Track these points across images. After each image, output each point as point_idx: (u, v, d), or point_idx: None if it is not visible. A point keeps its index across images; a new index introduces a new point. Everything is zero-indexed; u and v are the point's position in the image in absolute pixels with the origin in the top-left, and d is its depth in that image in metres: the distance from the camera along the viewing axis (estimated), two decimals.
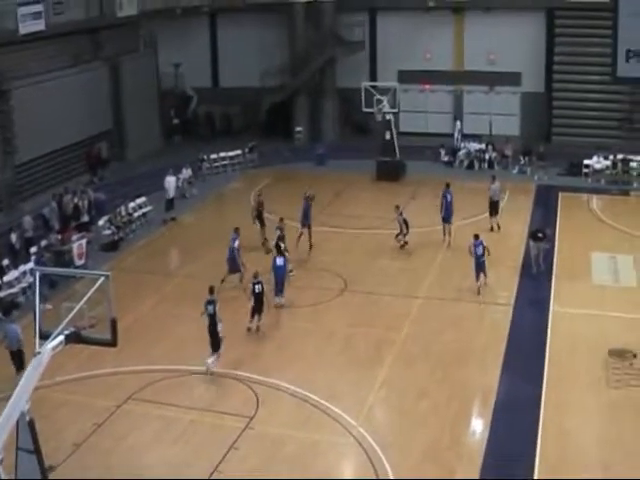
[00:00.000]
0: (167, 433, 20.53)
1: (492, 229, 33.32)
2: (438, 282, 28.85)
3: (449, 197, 32.23)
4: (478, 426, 20.80)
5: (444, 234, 31.98)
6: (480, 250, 27.51)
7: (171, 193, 37.39)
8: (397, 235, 31.09)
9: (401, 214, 31.03)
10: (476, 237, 27.85)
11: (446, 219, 32.07)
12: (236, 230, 28.70)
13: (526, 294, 27.89)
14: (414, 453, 19.30)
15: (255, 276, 25.28)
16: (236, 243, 28.28)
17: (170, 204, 37.15)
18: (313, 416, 20.95)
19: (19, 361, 22.41)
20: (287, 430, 20.37)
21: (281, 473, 18.72)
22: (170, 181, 37.44)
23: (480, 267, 27.58)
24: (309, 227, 31.84)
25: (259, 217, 32.16)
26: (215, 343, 22.91)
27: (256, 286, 25.02)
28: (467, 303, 27.27)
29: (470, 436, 20.45)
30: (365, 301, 27.51)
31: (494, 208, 33.84)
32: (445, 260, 30.75)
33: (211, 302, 23.01)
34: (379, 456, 19.03)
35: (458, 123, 46.18)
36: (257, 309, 25.13)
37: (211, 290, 23.38)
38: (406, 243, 31.08)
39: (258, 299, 25.07)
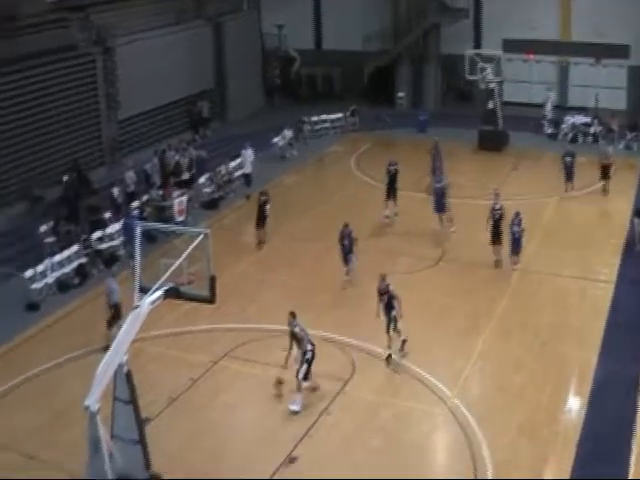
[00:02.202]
0: (261, 392, 20.65)
1: (604, 190, 33.19)
2: (537, 255, 28.19)
3: None
4: (575, 404, 20.28)
5: None
6: (517, 228, 26.69)
7: (248, 168, 36.37)
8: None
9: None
10: (517, 214, 26.93)
11: None
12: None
13: (628, 272, 27.05)
14: (509, 428, 18.93)
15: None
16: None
17: (248, 179, 36.30)
18: (408, 384, 20.79)
19: (115, 315, 22.78)
20: (381, 397, 20.27)
21: (373, 441, 18.63)
22: (247, 155, 36.44)
23: (515, 244, 26.92)
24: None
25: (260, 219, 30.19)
26: None
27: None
28: (566, 278, 26.63)
29: (566, 414, 19.94)
30: (462, 271, 27.10)
31: (605, 172, 33.43)
32: (545, 233, 30.08)
33: None
34: (474, 430, 18.75)
35: (551, 94, 44.95)
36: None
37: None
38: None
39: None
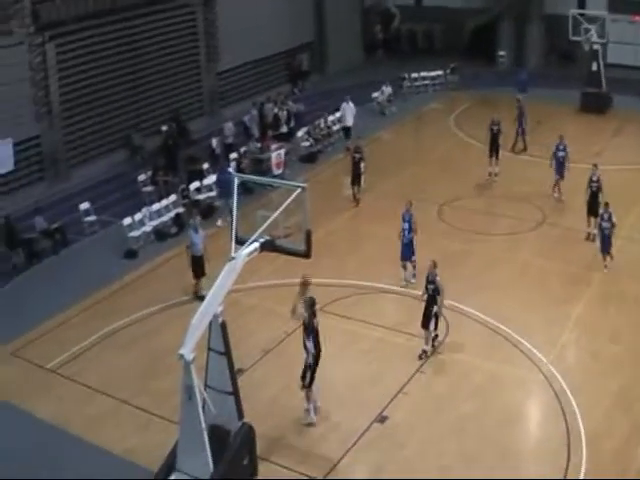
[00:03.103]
0: (354, 348, 20.68)
1: None
2: (639, 223, 27.45)
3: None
4: None
5: None
6: (606, 224, 24.16)
7: (349, 121, 35.62)
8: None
9: None
10: (606, 205, 24.54)
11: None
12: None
13: None
14: (604, 400, 18.48)
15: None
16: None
17: (347, 133, 35.67)
18: (502, 348, 20.47)
19: (195, 267, 23.02)
20: (475, 359, 20.01)
21: (465, 404, 18.44)
22: (347, 108, 35.69)
23: (606, 242, 24.32)
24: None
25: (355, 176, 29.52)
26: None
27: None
28: None
29: None
30: (563, 236, 26.52)
31: None
32: None
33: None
34: (569, 399, 18.34)
35: None
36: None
37: None
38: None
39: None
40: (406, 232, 23.27)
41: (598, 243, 24.28)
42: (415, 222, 23.29)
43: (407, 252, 23.39)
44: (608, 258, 24.18)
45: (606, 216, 24.09)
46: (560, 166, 28.89)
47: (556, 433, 17.46)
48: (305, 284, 18.07)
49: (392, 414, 18.15)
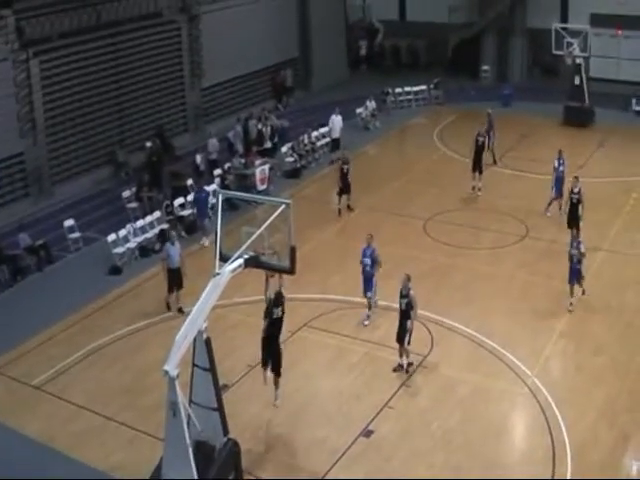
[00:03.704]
0: (340, 363, 20.71)
1: None
2: (622, 235, 27.51)
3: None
4: None
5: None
6: (575, 251, 22.92)
7: (336, 133, 35.81)
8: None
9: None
10: (576, 235, 23.65)
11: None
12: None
13: None
14: (589, 412, 18.53)
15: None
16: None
17: (335, 144, 35.76)
18: (487, 361, 20.53)
19: (171, 280, 23.07)
20: (460, 373, 20.06)
21: (451, 418, 18.47)
22: (335, 120, 35.87)
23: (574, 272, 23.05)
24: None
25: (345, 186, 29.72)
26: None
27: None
28: None
29: None
30: (547, 249, 26.57)
31: None
32: (631, 213, 29.35)
33: None
34: (554, 411, 18.40)
35: None
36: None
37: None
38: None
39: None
40: (367, 267, 22.43)
41: (567, 273, 23.20)
42: (378, 256, 22.33)
43: (366, 286, 22.61)
44: (577, 290, 23.07)
45: (575, 244, 23.02)
46: (559, 182, 28.64)
47: (541, 445, 17.51)
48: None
49: (378, 428, 18.16)
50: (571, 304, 22.97)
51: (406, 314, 19.82)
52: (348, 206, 29.76)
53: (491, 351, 20.84)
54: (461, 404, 18.94)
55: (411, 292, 19.83)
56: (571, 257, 22.95)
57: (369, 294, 22.55)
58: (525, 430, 18.79)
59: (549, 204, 28.95)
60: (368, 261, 22.43)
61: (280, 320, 18.19)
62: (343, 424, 18.33)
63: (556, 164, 29.01)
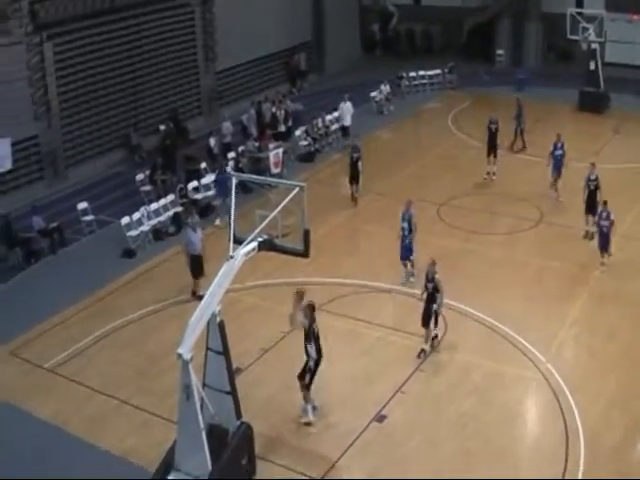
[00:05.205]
0: (353, 347, 20.68)
1: None
2: (638, 222, 27.35)
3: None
4: None
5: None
6: (605, 222, 23.92)
7: (346, 121, 35.69)
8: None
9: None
10: (605, 203, 24.37)
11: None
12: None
13: None
14: (602, 398, 18.48)
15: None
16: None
17: (345, 132, 35.77)
18: (501, 346, 20.47)
19: (193, 266, 22.98)
20: (474, 358, 20.01)
21: (464, 403, 18.44)
22: (345, 107, 35.75)
23: (604, 239, 24.13)
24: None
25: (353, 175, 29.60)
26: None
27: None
28: None
29: None
30: (561, 235, 26.50)
31: None
32: None
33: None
34: (567, 397, 18.35)
35: None
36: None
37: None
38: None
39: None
40: (405, 232, 23.16)
41: (596, 241, 24.20)
42: (415, 222, 23.19)
43: (406, 252, 23.33)
44: (606, 256, 24.09)
45: (605, 214, 23.88)
46: (557, 164, 28.78)
47: (554, 431, 17.47)
48: (300, 295, 17.67)
49: (391, 413, 18.14)
50: (602, 264, 23.93)
51: (432, 297, 19.87)
52: (352, 196, 29.42)
53: (505, 336, 20.78)
54: (475, 389, 18.89)
55: (437, 276, 19.87)
56: (600, 228, 23.82)
57: (411, 257, 23.08)
58: (538, 415, 18.75)
59: (551, 186, 28.87)
60: (406, 225, 22.92)
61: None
62: (356, 409, 18.31)
63: (552, 148, 28.91)
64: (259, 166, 31.54)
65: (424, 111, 41.09)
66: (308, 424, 17.89)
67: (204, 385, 15.75)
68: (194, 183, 29.58)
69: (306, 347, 17.72)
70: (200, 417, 14.90)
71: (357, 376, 19.48)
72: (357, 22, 49.69)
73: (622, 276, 23.86)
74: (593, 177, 26.10)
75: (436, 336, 20.49)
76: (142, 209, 27.66)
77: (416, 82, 43.65)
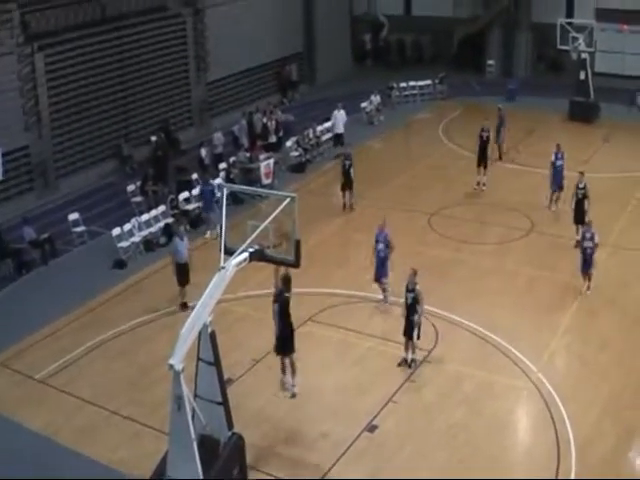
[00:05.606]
0: (344, 357, 20.69)
1: None
2: (628, 231, 27.46)
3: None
4: None
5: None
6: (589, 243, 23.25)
7: (339, 129, 36.04)
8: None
9: None
10: (589, 223, 23.79)
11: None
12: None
13: None
14: (594, 407, 18.51)
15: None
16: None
17: (338, 139, 36.01)
18: (492, 356, 20.50)
19: (179, 274, 23.02)
20: (464, 368, 20.03)
21: (455, 413, 18.45)
22: (338, 116, 36.10)
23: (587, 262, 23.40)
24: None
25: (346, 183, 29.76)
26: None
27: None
28: None
29: None
30: (552, 244, 26.58)
31: None
32: (637, 208, 29.25)
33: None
34: (558, 407, 18.37)
35: None
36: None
37: None
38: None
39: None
40: (381, 253, 22.50)
41: (579, 263, 23.53)
42: (392, 243, 22.53)
43: (380, 273, 22.71)
44: (586, 284, 23.42)
45: (588, 235, 23.31)
46: (558, 176, 28.67)
47: (546, 440, 17.49)
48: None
49: (382, 423, 18.15)
50: (589, 288, 23.36)
51: (412, 308, 19.80)
52: (351, 205, 29.65)
53: (496, 346, 20.81)
54: (466, 399, 18.91)
55: (417, 287, 19.82)
56: (584, 249, 23.21)
57: (384, 280, 22.65)
58: (529, 425, 18.78)
59: (551, 200, 28.90)
60: (382, 246, 22.57)
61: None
62: (347, 419, 18.30)
63: (553, 158, 28.96)
64: (250, 177, 31.56)
65: (414, 121, 41.19)
66: (294, 396, 18.62)
67: (195, 396, 15.70)
68: (185, 194, 29.57)
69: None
70: (191, 428, 14.85)
71: (348, 386, 19.47)
72: (348, 33, 49.86)
73: (614, 285, 23.91)
74: (581, 185, 26.20)
75: (414, 349, 20.24)
76: (133, 220, 27.65)
77: (406, 92, 43.76)
